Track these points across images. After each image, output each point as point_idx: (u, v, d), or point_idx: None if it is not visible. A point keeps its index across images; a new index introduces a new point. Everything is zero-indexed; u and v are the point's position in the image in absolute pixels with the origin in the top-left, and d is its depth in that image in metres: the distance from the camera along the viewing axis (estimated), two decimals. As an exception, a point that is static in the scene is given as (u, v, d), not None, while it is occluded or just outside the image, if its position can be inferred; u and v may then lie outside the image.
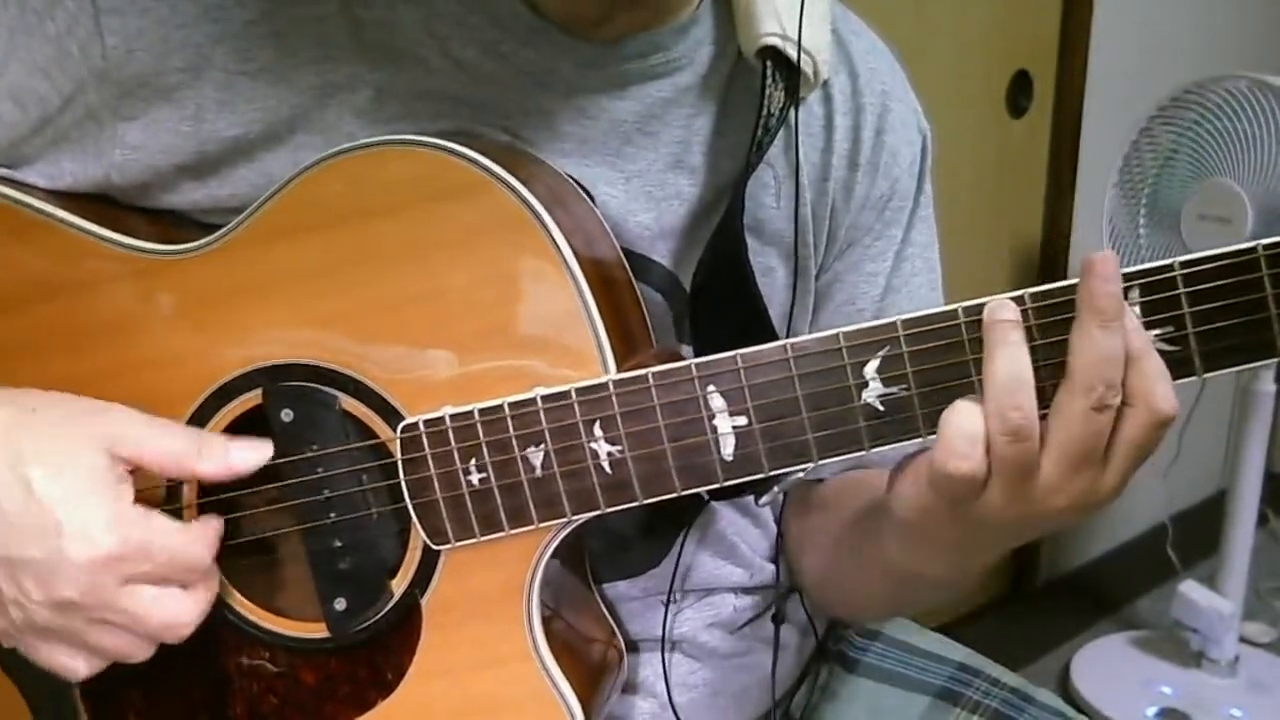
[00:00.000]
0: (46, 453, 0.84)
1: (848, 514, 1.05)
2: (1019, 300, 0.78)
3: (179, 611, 0.87)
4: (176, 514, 0.93)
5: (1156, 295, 0.77)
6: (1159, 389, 0.76)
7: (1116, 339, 0.75)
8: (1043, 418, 0.78)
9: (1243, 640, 2.87)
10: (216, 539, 0.90)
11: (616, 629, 1.06)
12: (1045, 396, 0.78)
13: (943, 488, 0.80)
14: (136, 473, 0.87)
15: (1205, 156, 2.35)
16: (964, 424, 0.78)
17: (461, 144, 0.87)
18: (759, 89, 1.00)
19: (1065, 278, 0.77)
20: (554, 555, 0.91)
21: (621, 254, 0.96)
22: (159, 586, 0.86)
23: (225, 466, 0.89)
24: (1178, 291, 0.77)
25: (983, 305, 0.79)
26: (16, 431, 0.85)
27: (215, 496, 0.94)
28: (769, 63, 1.00)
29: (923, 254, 1.16)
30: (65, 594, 0.83)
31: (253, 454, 0.90)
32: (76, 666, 0.88)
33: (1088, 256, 0.76)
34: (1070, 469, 0.79)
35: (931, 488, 0.81)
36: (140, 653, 0.88)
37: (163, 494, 0.93)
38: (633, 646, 1.10)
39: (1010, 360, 0.77)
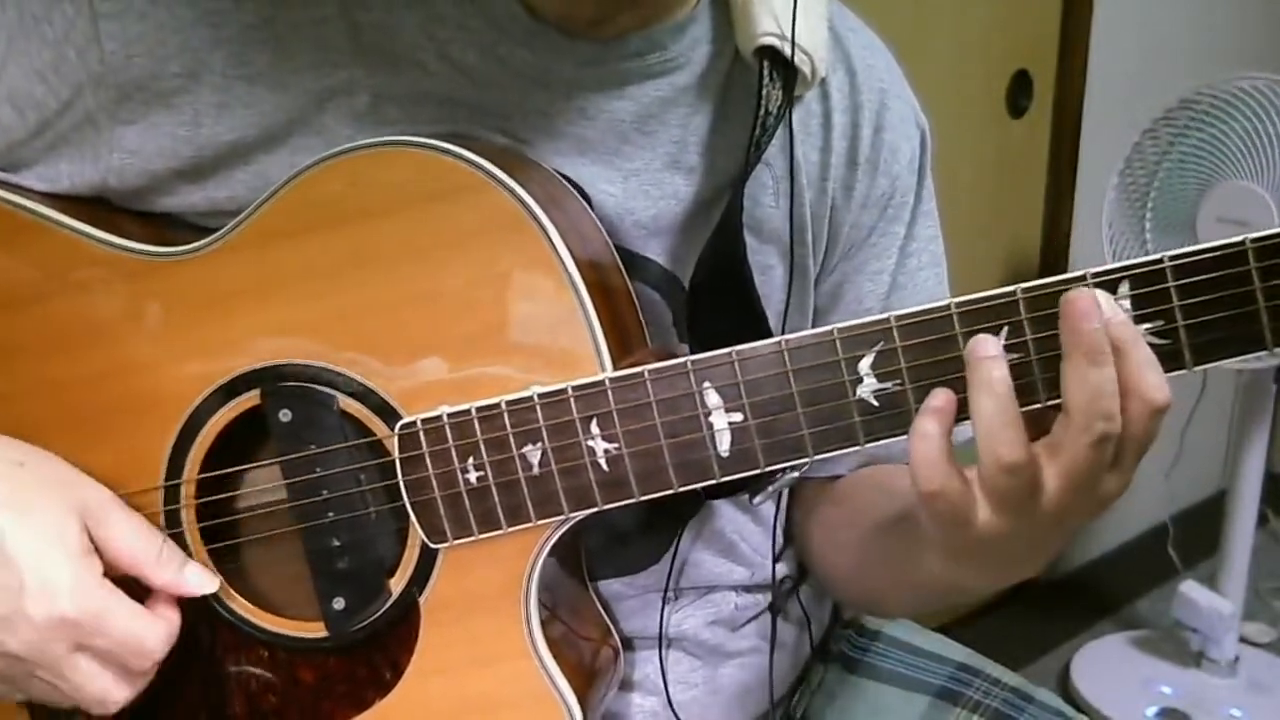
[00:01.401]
0: (25, 509, 0.86)
1: (873, 517, 1.05)
2: (1010, 294, 0.78)
3: (111, 690, 0.88)
4: (176, 491, 0.95)
5: (1146, 289, 0.77)
6: (1150, 379, 0.76)
7: (1108, 371, 0.75)
8: (1040, 415, 0.79)
9: (1243, 640, 2.87)
10: (173, 635, 0.91)
11: (612, 627, 1.06)
12: (1041, 390, 0.79)
13: (927, 511, 0.81)
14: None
15: (1221, 158, 2.32)
16: (919, 451, 0.79)
17: (459, 145, 0.87)
18: (756, 88, 1.01)
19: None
20: (551, 553, 0.91)
21: (616, 255, 0.96)
22: (102, 665, 0.88)
23: (176, 582, 0.92)
24: (1167, 285, 0.77)
25: (975, 300, 0.79)
26: (1, 483, 0.87)
27: (213, 496, 0.95)
28: (766, 62, 1.00)
29: (928, 248, 1.16)
30: (10, 647, 0.84)
31: (204, 582, 0.93)
32: (8, 693, 0.90)
33: (1066, 296, 0.76)
34: (1078, 490, 0.79)
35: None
36: (66, 705, 0.90)
37: (162, 490, 0.94)
38: (631, 644, 1.10)
39: (995, 399, 0.76)
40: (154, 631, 0.89)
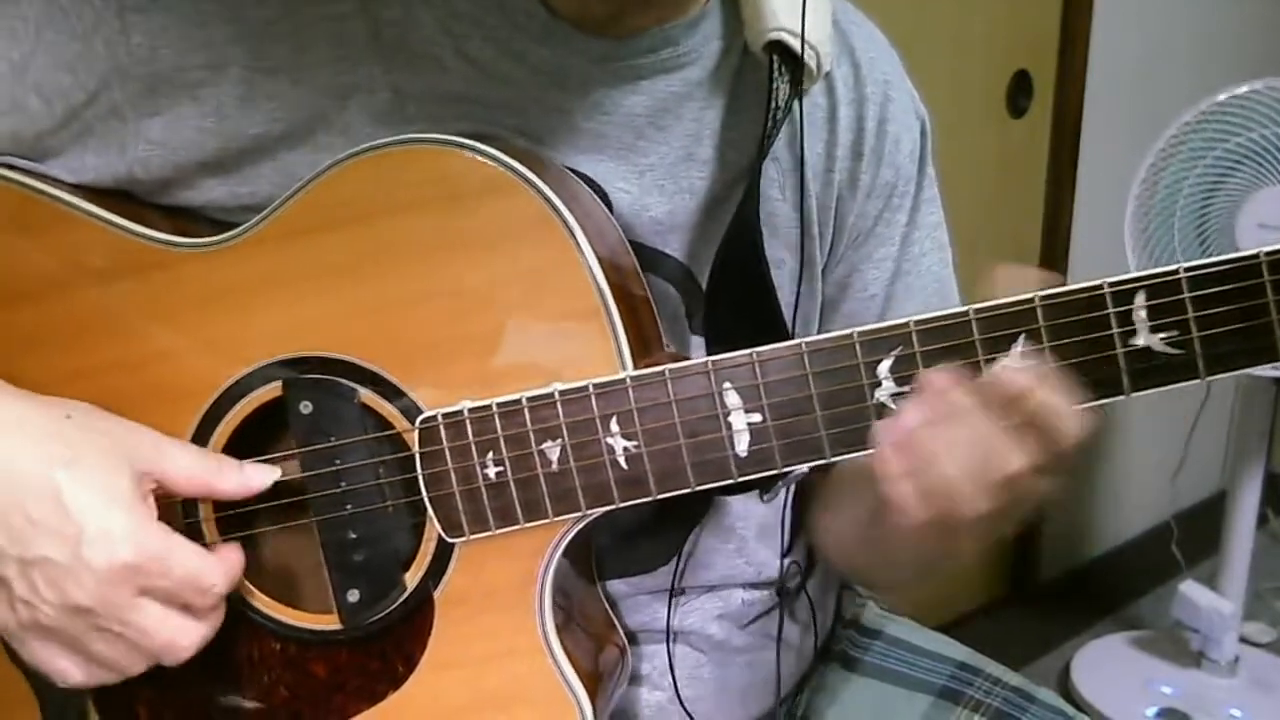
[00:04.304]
0: (76, 460, 0.86)
1: (851, 500, 1.07)
2: (1028, 302, 0.80)
3: (182, 632, 0.88)
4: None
5: (1162, 299, 0.78)
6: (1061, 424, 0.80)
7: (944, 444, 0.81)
8: None
9: (1243, 640, 2.87)
10: (237, 569, 0.92)
11: (619, 625, 1.07)
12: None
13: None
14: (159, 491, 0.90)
15: (1256, 164, 2.29)
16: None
17: (483, 144, 0.88)
18: (766, 83, 1.02)
19: (1065, 278, 0.79)
20: (564, 552, 0.92)
21: (634, 257, 0.97)
22: (167, 607, 0.88)
23: (243, 485, 0.92)
24: (1182, 296, 0.78)
25: (994, 307, 0.80)
26: (50, 438, 0.87)
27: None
28: (775, 57, 1.02)
29: (931, 234, 1.17)
30: (77, 598, 0.84)
31: (266, 474, 0.93)
32: (71, 672, 0.89)
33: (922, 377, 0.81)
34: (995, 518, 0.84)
35: None
36: (136, 667, 0.89)
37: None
38: (635, 639, 1.10)
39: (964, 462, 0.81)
40: (214, 566, 0.89)
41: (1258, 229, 2.29)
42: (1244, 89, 2.30)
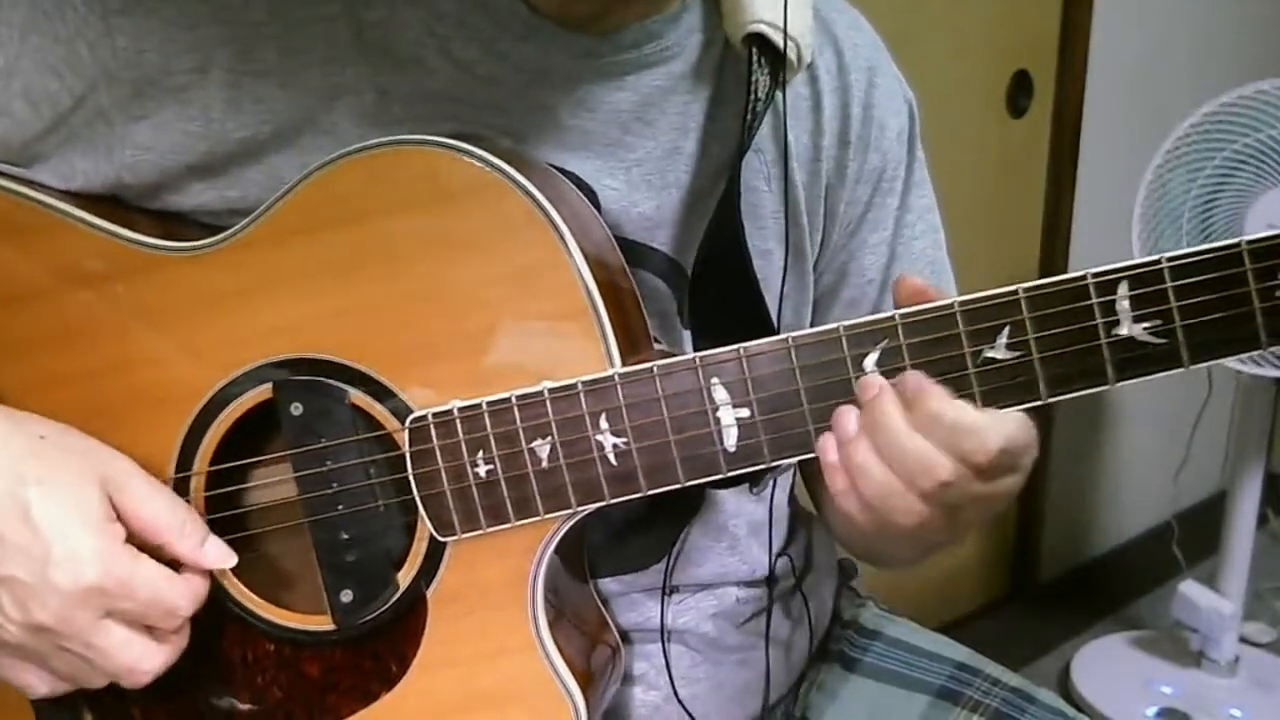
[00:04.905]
0: (48, 480, 0.86)
1: None
2: (1012, 294, 0.80)
3: (143, 657, 0.89)
4: (185, 484, 0.95)
5: (1145, 289, 0.78)
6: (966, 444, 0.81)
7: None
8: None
9: (1243, 640, 2.87)
10: (201, 595, 0.91)
11: (612, 624, 1.07)
12: (1042, 387, 0.81)
13: None
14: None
15: (1271, 164, 2.28)
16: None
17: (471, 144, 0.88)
18: (746, 75, 1.02)
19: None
20: (555, 550, 0.92)
21: (621, 256, 0.97)
22: (131, 629, 0.88)
23: (196, 554, 0.91)
24: (1165, 285, 0.78)
25: (978, 299, 0.81)
26: (23, 456, 0.87)
27: (223, 489, 0.96)
28: (754, 49, 1.02)
29: (924, 217, 1.17)
30: (40, 619, 0.85)
31: (222, 557, 0.93)
32: (36, 685, 0.90)
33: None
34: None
35: None
36: (96, 683, 0.90)
37: (171, 483, 0.95)
38: (628, 638, 1.11)
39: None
40: (179, 590, 0.89)
41: (1268, 230, 2.26)
42: (1250, 89, 2.29)
